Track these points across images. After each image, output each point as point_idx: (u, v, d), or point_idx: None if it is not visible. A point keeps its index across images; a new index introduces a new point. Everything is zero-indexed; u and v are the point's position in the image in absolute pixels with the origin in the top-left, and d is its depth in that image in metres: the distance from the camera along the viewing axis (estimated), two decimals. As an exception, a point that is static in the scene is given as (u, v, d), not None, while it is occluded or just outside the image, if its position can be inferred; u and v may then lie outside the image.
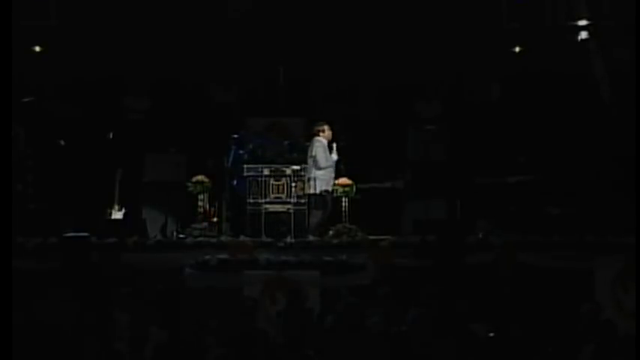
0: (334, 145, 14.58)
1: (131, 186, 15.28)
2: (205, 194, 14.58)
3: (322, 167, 14.43)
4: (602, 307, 11.43)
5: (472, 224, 14.26)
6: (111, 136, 16.16)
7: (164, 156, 15.41)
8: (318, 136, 14.58)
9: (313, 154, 14.48)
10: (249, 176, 14.58)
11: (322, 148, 14.50)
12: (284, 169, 14.58)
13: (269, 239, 13.75)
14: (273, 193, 14.46)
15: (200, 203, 14.52)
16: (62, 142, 16.07)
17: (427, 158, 15.29)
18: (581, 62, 16.54)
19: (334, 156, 14.56)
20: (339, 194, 14.65)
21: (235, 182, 14.92)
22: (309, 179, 14.46)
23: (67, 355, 9.15)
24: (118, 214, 14.58)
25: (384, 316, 10.35)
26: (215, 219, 14.59)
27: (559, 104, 16.41)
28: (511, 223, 14.30)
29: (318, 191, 14.39)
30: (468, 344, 9.17)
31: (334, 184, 14.64)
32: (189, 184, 14.46)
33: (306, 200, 14.54)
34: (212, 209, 14.64)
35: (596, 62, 16.49)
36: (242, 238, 13.80)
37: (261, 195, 14.41)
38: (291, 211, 14.37)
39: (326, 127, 14.63)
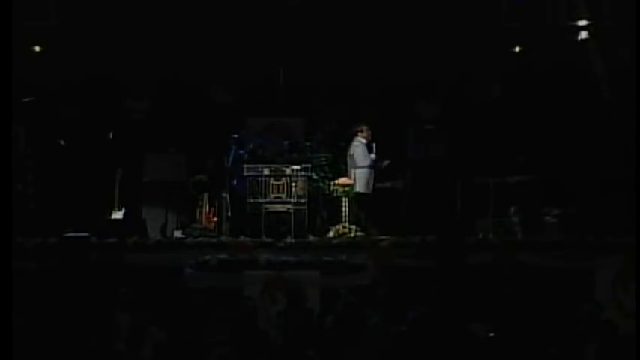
0: (374, 146, 14.69)
1: (131, 186, 15.28)
2: (206, 194, 14.62)
3: (360, 166, 14.62)
4: (602, 307, 11.45)
5: (472, 224, 14.26)
6: (111, 136, 16.15)
7: (164, 156, 15.41)
8: (357, 136, 14.76)
9: (351, 153, 14.73)
10: (249, 176, 14.57)
11: (361, 147, 14.72)
12: (284, 169, 14.59)
13: (269, 239, 13.75)
14: (273, 193, 14.45)
15: (200, 203, 14.55)
16: (62, 142, 16.07)
17: (427, 158, 15.28)
18: (581, 62, 16.53)
19: (373, 156, 14.71)
20: (339, 194, 14.66)
21: (235, 182, 14.91)
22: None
23: (67, 355, 9.15)
24: (118, 214, 14.58)
25: (384, 316, 10.36)
26: (215, 219, 14.58)
27: (559, 104, 16.40)
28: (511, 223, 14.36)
29: (357, 190, 14.48)
30: (468, 344, 9.18)
31: (335, 184, 14.69)
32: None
33: (306, 200, 14.57)
34: (212, 209, 14.63)
35: (596, 62, 16.48)
36: (242, 238, 13.80)
37: (261, 195, 14.40)
38: (291, 211, 14.36)
39: (365, 128, 14.88)
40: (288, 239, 13.76)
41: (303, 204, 14.50)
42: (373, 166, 14.77)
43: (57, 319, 10.66)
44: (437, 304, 11.22)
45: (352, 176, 14.63)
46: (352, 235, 14.07)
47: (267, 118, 16.37)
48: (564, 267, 13.21)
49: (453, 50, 16.55)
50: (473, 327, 9.74)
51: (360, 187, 14.60)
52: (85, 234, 13.45)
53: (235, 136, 15.21)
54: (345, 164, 15.19)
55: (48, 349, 9.20)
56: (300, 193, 14.51)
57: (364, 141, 14.80)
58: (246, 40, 16.49)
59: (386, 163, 14.87)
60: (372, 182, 14.77)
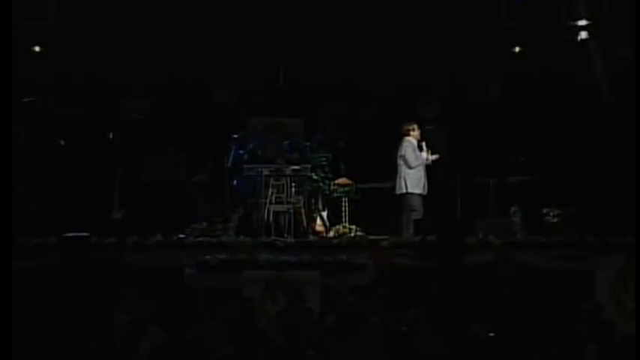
0: (424, 144, 14.65)
1: (131, 186, 15.28)
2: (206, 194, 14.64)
3: (413, 166, 14.47)
4: (602, 307, 11.46)
5: (472, 224, 14.25)
6: (111, 136, 16.15)
7: (164, 156, 15.41)
8: (409, 135, 14.65)
9: (402, 153, 14.53)
10: (249, 176, 14.57)
11: (412, 147, 14.57)
12: (284, 169, 14.57)
13: (269, 239, 13.74)
14: (273, 193, 14.43)
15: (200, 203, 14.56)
16: (62, 142, 16.07)
17: (427, 158, 15.27)
18: (581, 62, 16.54)
19: (424, 154, 14.61)
20: (339, 194, 14.65)
21: (235, 182, 14.91)
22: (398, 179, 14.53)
23: (66, 355, 9.15)
24: (118, 214, 14.57)
25: (384, 316, 10.36)
26: (215, 219, 14.56)
27: (559, 104, 16.41)
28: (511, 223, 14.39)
29: (407, 191, 14.40)
30: (468, 344, 9.18)
31: (335, 184, 14.69)
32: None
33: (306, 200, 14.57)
34: (212, 209, 14.64)
35: (596, 62, 16.49)
36: (242, 238, 13.80)
37: (261, 195, 14.38)
38: (291, 211, 14.36)
39: (415, 127, 14.71)
40: (288, 239, 13.75)
41: (304, 204, 14.51)
42: (424, 165, 14.63)
43: (57, 319, 10.66)
44: (437, 304, 11.22)
45: (402, 177, 14.46)
46: (352, 235, 14.06)
47: (267, 118, 16.34)
48: (564, 267, 13.20)
49: (453, 50, 16.56)
50: (473, 327, 9.74)
51: (411, 188, 14.42)
52: (85, 234, 13.43)
53: (235, 136, 15.21)
54: (345, 164, 15.19)
55: (48, 349, 9.20)
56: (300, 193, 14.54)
57: (414, 141, 14.62)
58: (247, 40, 16.49)
59: (434, 157, 14.74)
60: (424, 182, 14.56)
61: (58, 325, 10.14)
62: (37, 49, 16.36)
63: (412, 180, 14.47)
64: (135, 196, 15.26)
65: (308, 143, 15.23)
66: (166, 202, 15.18)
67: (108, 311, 11.15)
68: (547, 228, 14.18)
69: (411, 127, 14.70)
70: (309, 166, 14.72)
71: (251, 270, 12.95)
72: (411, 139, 14.65)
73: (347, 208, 14.58)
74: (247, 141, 15.20)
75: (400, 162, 14.57)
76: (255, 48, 16.50)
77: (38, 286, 12.27)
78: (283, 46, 16.48)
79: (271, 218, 14.23)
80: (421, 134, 14.73)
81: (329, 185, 14.94)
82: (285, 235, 13.95)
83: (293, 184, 14.45)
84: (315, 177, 14.93)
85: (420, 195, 14.50)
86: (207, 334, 9.75)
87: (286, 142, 15.19)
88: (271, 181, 14.41)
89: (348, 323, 10.05)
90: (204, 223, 14.22)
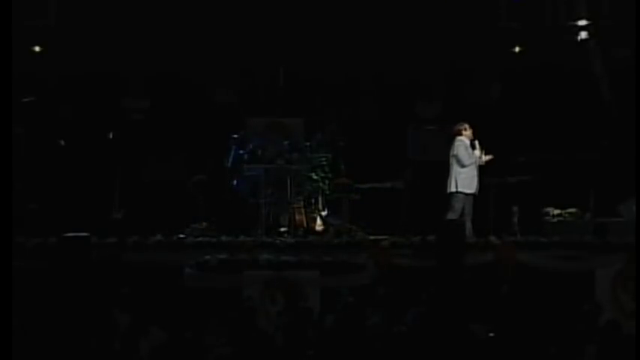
0: (476, 143, 14.53)
1: (131, 186, 15.28)
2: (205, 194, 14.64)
3: (465, 165, 14.32)
4: (602, 307, 11.47)
5: (473, 224, 14.25)
6: (111, 136, 16.16)
7: (164, 156, 15.41)
8: (461, 135, 14.52)
9: (455, 152, 14.38)
10: (249, 176, 14.57)
11: (464, 146, 14.43)
12: (284, 169, 14.57)
13: (269, 239, 13.74)
14: (273, 193, 14.42)
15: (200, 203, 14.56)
16: (62, 142, 16.08)
17: (427, 158, 15.28)
18: (581, 62, 16.55)
19: (477, 152, 14.48)
20: (339, 194, 14.67)
21: (235, 182, 14.91)
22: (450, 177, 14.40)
23: (66, 355, 9.16)
24: (118, 214, 14.58)
25: (384, 316, 10.36)
26: (216, 219, 14.57)
27: (559, 104, 16.42)
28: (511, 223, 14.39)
29: (457, 190, 14.30)
30: (468, 344, 9.18)
31: (335, 184, 14.71)
32: None
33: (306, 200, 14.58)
34: (212, 209, 14.64)
35: (595, 62, 16.50)
36: (242, 238, 13.80)
37: (261, 195, 14.38)
38: (291, 211, 14.36)
39: (467, 126, 14.56)
40: (288, 239, 13.75)
41: (304, 204, 14.52)
42: (477, 164, 14.49)
43: (57, 319, 10.66)
44: (437, 304, 11.22)
45: (454, 176, 14.34)
46: (352, 235, 14.06)
47: (267, 118, 16.35)
48: (564, 267, 13.20)
49: (453, 50, 16.57)
50: (473, 327, 9.75)
51: (462, 187, 14.26)
52: (85, 234, 13.43)
53: (235, 136, 15.21)
54: (345, 164, 15.19)
55: (48, 349, 9.20)
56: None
57: (466, 140, 14.47)
58: (247, 39, 16.50)
59: (488, 157, 14.62)
60: (476, 181, 14.39)
61: (58, 325, 10.13)
62: (37, 49, 16.35)
63: (463, 180, 14.35)
64: (135, 196, 15.28)
65: (308, 143, 15.24)
66: (166, 202, 15.20)
67: (108, 311, 11.15)
68: (547, 228, 14.18)
69: (462, 127, 14.55)
70: (309, 166, 14.73)
71: (251, 270, 12.96)
72: (464, 139, 14.49)
73: (347, 208, 14.57)
74: (247, 141, 15.20)
75: (452, 161, 14.42)
76: (255, 48, 16.51)
77: (38, 286, 12.27)
78: (283, 46, 16.49)
79: (271, 218, 14.25)
80: (474, 133, 14.61)
81: (329, 185, 14.94)
82: (285, 235, 13.97)
83: (293, 184, 14.45)
84: (315, 177, 14.93)
85: (468, 195, 14.35)
86: (207, 334, 9.75)
87: (286, 142, 15.19)
88: (271, 181, 14.42)
89: (348, 323, 10.04)
90: (204, 223, 14.23)
